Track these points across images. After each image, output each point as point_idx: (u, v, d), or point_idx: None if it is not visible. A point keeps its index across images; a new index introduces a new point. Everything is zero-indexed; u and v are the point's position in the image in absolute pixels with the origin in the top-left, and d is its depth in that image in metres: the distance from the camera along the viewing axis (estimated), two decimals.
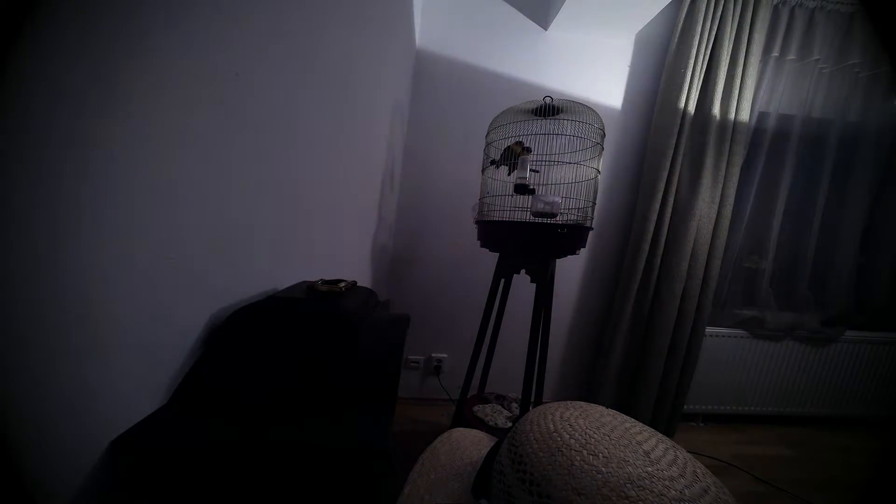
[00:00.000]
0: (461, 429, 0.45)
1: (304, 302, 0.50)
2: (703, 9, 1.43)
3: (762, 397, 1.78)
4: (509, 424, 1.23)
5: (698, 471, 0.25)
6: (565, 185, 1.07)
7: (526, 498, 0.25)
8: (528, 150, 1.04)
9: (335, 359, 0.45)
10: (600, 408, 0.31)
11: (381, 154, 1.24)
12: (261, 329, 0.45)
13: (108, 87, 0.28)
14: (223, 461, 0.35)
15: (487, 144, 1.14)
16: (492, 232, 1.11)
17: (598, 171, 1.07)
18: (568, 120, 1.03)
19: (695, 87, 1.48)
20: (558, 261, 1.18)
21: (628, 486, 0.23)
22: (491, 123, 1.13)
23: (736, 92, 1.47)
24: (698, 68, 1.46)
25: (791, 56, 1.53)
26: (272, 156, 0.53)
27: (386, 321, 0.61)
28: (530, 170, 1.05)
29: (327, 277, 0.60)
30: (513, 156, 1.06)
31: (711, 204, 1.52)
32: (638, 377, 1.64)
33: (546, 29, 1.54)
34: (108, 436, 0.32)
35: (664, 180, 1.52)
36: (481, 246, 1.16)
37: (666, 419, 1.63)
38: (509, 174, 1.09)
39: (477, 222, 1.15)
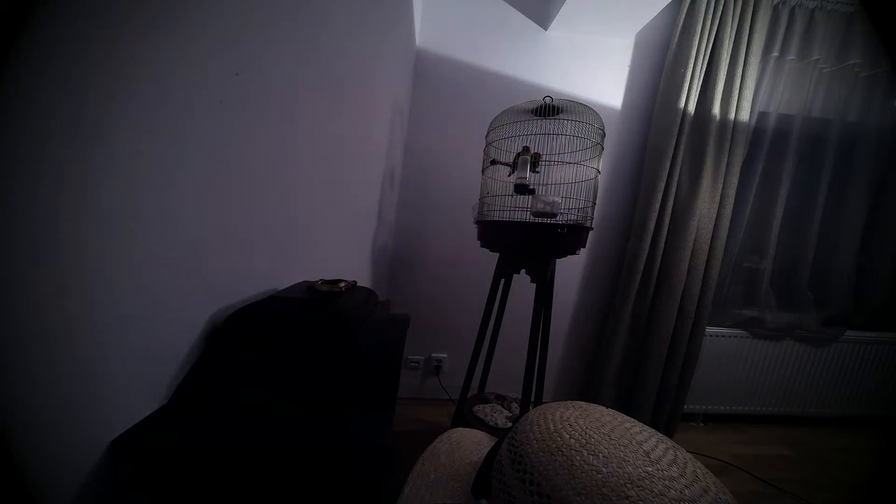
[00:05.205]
0: (461, 429, 0.45)
1: (304, 302, 0.50)
2: (703, 9, 1.43)
3: (762, 397, 1.78)
4: (509, 424, 1.23)
5: (698, 471, 0.25)
6: (565, 185, 1.07)
7: (526, 498, 0.25)
8: (538, 155, 1.04)
9: (335, 359, 0.45)
10: (600, 408, 0.31)
11: (381, 154, 1.24)
12: (261, 329, 0.45)
13: (108, 86, 0.28)
14: (223, 461, 0.35)
15: (487, 144, 1.13)
16: (492, 232, 1.11)
17: (598, 171, 1.07)
18: (568, 120, 1.03)
19: (695, 87, 1.48)
20: (558, 261, 1.18)
21: (628, 485, 0.23)
22: (491, 123, 1.13)
23: (736, 92, 1.47)
24: (698, 68, 1.46)
25: (791, 56, 1.52)
26: (272, 155, 0.53)
27: (386, 321, 0.61)
28: (530, 170, 1.04)
29: (327, 277, 0.60)
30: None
31: (711, 204, 1.52)
32: (638, 377, 1.64)
33: (546, 29, 1.54)
34: (108, 436, 0.32)
35: (664, 180, 1.52)
36: (481, 246, 1.16)
37: (666, 419, 1.63)
38: (511, 175, 1.09)
39: (477, 222, 1.15)
